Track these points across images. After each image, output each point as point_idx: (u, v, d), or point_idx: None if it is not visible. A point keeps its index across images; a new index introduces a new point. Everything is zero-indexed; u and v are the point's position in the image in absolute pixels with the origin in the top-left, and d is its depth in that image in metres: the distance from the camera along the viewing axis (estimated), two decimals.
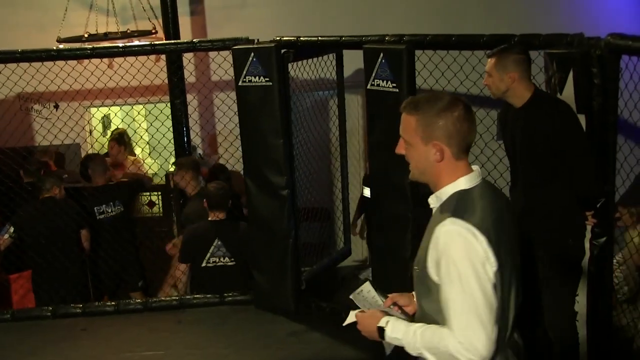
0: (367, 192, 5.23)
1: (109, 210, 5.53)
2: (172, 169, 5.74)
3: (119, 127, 7.11)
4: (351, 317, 2.26)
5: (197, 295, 4.83)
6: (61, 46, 5.40)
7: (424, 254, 2.08)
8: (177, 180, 5.30)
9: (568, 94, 3.32)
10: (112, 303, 4.85)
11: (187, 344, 4.32)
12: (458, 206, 2.05)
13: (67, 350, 4.32)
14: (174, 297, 4.89)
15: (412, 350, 2.07)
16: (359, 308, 2.29)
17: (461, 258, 1.97)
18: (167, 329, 4.51)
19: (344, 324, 2.30)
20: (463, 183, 2.10)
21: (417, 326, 2.06)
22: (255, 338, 4.32)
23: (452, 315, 1.98)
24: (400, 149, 2.16)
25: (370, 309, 2.26)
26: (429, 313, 2.10)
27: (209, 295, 4.78)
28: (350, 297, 2.29)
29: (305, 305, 4.48)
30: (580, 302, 3.52)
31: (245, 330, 4.43)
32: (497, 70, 3.35)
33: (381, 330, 2.11)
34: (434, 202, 2.16)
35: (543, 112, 3.32)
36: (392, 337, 2.09)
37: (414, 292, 2.35)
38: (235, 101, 4.43)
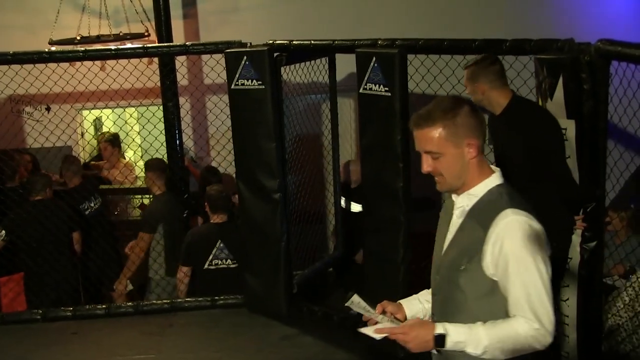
0: (353, 206, 5.28)
1: (92, 205, 5.65)
2: None
3: (110, 130, 7.11)
4: (369, 330, 2.18)
5: (189, 299, 4.83)
6: (53, 48, 5.40)
7: (473, 251, 2.09)
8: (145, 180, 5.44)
9: (558, 99, 3.35)
10: (103, 306, 4.83)
11: (179, 348, 4.31)
12: (509, 198, 2.11)
13: (57, 354, 4.30)
14: (165, 301, 4.88)
15: (475, 350, 2.04)
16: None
17: (533, 245, 2.03)
18: (158, 333, 4.50)
19: (376, 337, 2.19)
20: (498, 177, 2.17)
21: (478, 324, 2.05)
22: (247, 341, 4.31)
23: (526, 303, 2.02)
24: (427, 167, 2.15)
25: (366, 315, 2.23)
26: (475, 311, 2.09)
27: (200, 299, 4.77)
28: (346, 305, 2.25)
29: (297, 308, 4.48)
30: (571, 306, 3.53)
31: (238, 333, 4.42)
32: (469, 82, 3.50)
33: (441, 338, 2.04)
34: (465, 201, 2.18)
35: (520, 118, 3.39)
36: (456, 342, 2.04)
37: (405, 299, 2.36)
38: (228, 104, 4.43)
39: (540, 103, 3.55)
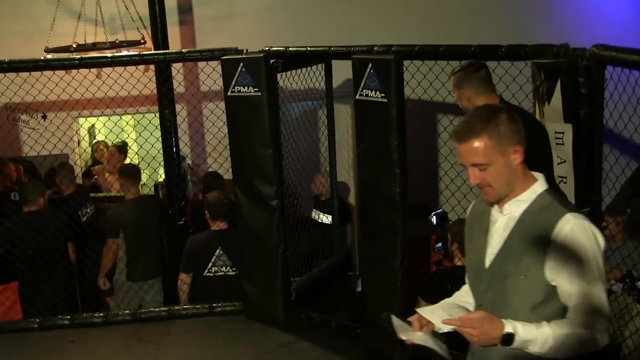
0: (323, 218, 5.31)
1: (89, 211, 5.76)
2: (161, 180, 5.77)
3: (106, 137, 7.13)
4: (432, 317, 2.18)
5: (187, 306, 4.83)
6: (49, 56, 5.39)
7: (533, 258, 2.08)
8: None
9: (556, 103, 3.36)
10: (101, 314, 4.81)
11: (176, 355, 4.29)
12: (562, 203, 2.14)
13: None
14: (163, 309, 4.87)
15: (541, 349, 2.04)
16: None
17: (596, 248, 2.06)
18: (156, 340, 4.48)
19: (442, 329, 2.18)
20: (544, 183, 2.19)
21: (544, 324, 2.05)
22: (245, 348, 4.29)
23: (590, 306, 2.04)
24: (475, 180, 2.13)
25: (410, 333, 2.21)
26: (529, 318, 2.08)
27: (198, 306, 4.77)
28: (403, 337, 2.21)
29: (295, 315, 4.47)
30: None
31: (236, 340, 4.40)
32: (455, 89, 3.51)
33: (509, 336, 2.02)
34: (512, 207, 2.17)
35: None
36: (524, 340, 2.03)
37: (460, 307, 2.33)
38: (224, 111, 4.43)
39: (537, 107, 3.56)
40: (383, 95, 3.76)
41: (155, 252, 5.44)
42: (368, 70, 3.82)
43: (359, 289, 4.99)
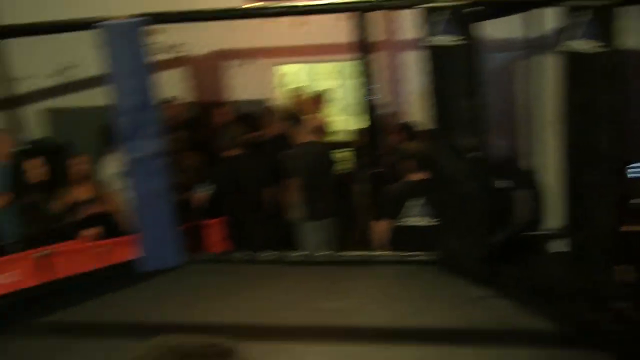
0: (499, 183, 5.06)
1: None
2: (358, 127, 5.87)
3: (304, 85, 7.35)
4: None
5: (384, 252, 4.94)
6: (249, 5, 5.60)
7: None
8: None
9: None
10: (300, 254, 5.09)
11: (370, 298, 4.41)
12: None
13: (260, 292, 4.53)
14: (358, 253, 5.03)
15: None
16: None
17: None
18: (351, 284, 4.61)
19: None
20: None
21: None
22: (440, 299, 4.30)
23: None
24: None
25: None
26: None
27: (395, 253, 4.87)
28: None
29: (491, 270, 4.41)
30: None
31: (430, 290, 4.43)
32: None
33: None
34: None
35: None
36: None
37: None
38: (423, 61, 4.38)
39: None
40: (598, 45, 3.50)
41: (326, 195, 5.63)
42: (580, 18, 3.56)
43: (555, 250, 4.83)
